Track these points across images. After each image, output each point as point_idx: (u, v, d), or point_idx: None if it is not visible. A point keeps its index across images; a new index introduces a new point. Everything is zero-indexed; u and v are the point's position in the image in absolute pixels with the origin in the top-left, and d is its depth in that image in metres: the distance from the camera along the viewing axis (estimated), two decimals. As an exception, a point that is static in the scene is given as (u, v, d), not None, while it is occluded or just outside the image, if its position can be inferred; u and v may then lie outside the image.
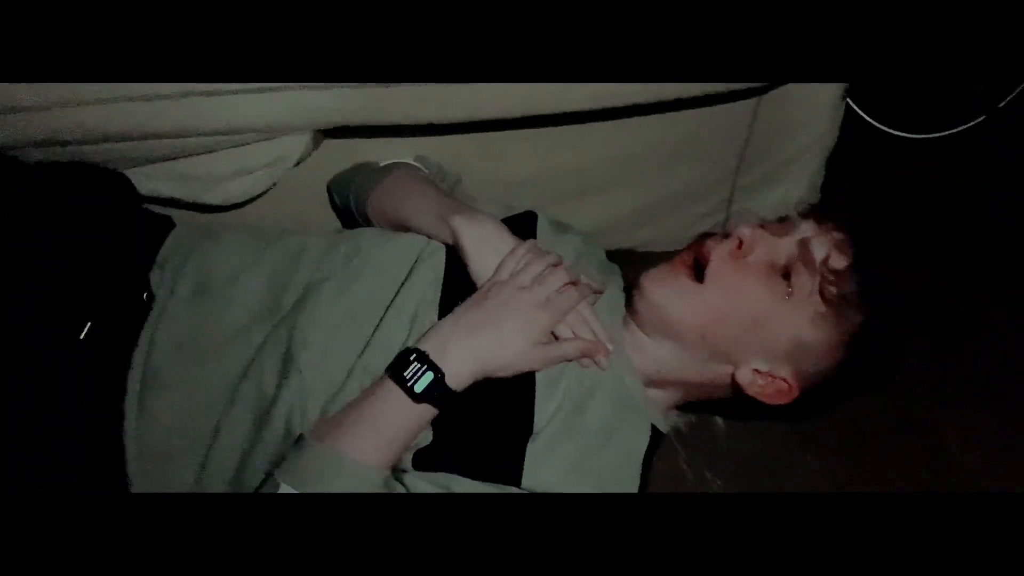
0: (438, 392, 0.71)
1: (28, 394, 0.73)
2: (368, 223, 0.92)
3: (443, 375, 0.71)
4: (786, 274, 0.76)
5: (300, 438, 0.71)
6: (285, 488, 0.67)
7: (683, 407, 0.86)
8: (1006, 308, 1.10)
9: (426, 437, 0.73)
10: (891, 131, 1.28)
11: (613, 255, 1.00)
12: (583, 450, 0.73)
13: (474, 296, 0.77)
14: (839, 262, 0.76)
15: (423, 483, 0.71)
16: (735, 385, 0.80)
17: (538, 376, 0.75)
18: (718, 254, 0.78)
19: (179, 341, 0.78)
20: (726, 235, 0.80)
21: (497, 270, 0.79)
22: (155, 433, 0.75)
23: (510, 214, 0.90)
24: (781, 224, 0.79)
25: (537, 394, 0.74)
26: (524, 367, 0.75)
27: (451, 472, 0.72)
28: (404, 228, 0.88)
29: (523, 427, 0.73)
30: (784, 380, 0.78)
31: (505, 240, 0.81)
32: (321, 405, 0.75)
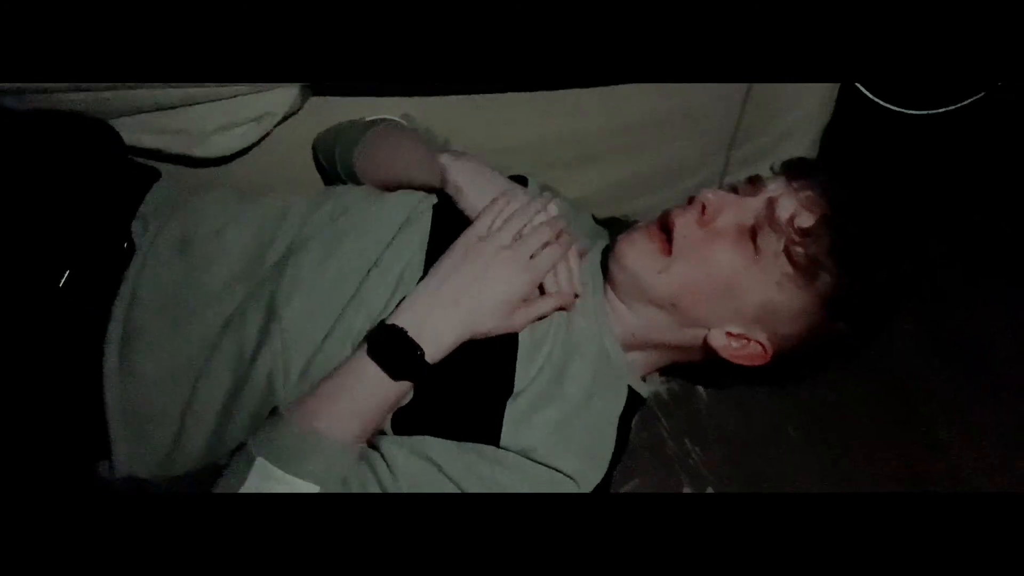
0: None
1: (4, 340, 0.73)
2: (354, 180, 0.92)
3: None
4: (754, 236, 0.75)
5: (275, 411, 0.70)
6: (260, 463, 0.66)
7: (664, 371, 0.87)
8: (1005, 291, 1.10)
9: (406, 396, 0.72)
10: (889, 106, 1.27)
11: (607, 224, 1.00)
12: (565, 414, 0.73)
13: (453, 253, 0.75)
14: (805, 220, 0.73)
15: (400, 450, 0.70)
16: (710, 348, 0.79)
17: (521, 338, 0.75)
18: (683, 222, 0.77)
19: (161, 296, 0.77)
20: (690, 201, 0.79)
21: (476, 220, 0.77)
22: (137, 388, 0.75)
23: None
24: (750, 184, 0.78)
25: (519, 355, 0.74)
26: (506, 330, 0.75)
27: (429, 433, 0.71)
28: (391, 182, 0.87)
29: (503, 386, 0.73)
30: (758, 343, 0.77)
31: (496, 178, 0.80)
32: (302, 363, 0.74)
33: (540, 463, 0.71)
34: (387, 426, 0.73)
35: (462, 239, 0.76)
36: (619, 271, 0.80)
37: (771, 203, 0.76)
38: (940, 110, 1.33)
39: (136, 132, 0.89)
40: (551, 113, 1.03)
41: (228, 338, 0.75)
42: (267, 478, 0.65)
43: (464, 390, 0.73)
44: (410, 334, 0.70)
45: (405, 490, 0.69)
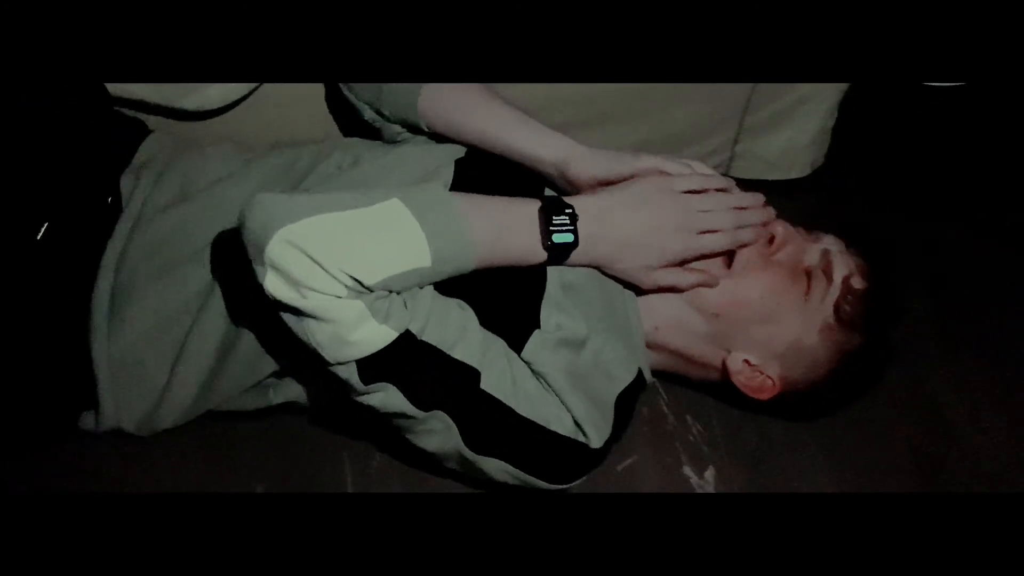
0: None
1: None
2: (401, 119, 0.87)
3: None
4: (808, 279, 0.78)
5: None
6: (394, 201, 0.63)
7: (662, 375, 0.86)
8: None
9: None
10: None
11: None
12: (580, 364, 0.73)
13: (645, 186, 0.74)
14: (858, 283, 0.78)
15: (441, 309, 0.68)
16: (723, 369, 0.81)
17: (547, 294, 0.74)
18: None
19: (156, 247, 0.76)
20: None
21: (679, 177, 0.77)
22: (127, 337, 0.75)
23: None
24: (808, 231, 0.82)
25: (544, 307, 0.73)
26: (633, 279, 0.76)
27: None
28: (468, 133, 0.83)
29: (530, 318, 0.72)
30: (769, 377, 0.80)
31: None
32: None
33: (553, 391, 0.71)
34: None
35: (654, 182, 0.76)
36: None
37: (827, 255, 0.79)
38: (960, 83, 1.28)
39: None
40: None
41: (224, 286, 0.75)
42: (390, 215, 0.63)
43: (502, 296, 0.72)
44: (579, 226, 0.70)
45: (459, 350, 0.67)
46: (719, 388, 0.85)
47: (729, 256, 0.78)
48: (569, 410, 0.71)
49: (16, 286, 0.73)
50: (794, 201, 1.11)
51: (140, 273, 0.75)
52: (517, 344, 0.71)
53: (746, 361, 0.80)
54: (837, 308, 0.77)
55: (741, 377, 0.80)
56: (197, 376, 0.76)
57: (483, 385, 0.68)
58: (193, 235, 0.77)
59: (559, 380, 0.72)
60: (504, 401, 0.68)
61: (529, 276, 0.73)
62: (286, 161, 0.82)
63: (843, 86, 1.10)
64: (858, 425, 0.87)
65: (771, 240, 0.79)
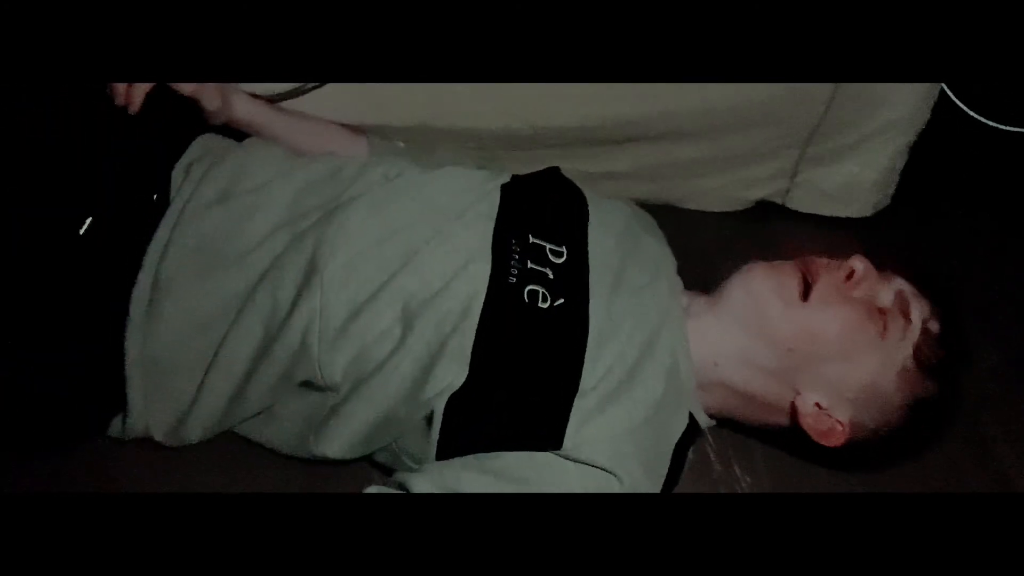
0: None
1: (15, 286, 0.71)
2: None
3: None
4: (883, 318, 0.75)
5: None
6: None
7: (713, 417, 0.81)
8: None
9: (458, 378, 0.68)
10: (986, 121, 1.17)
11: (648, 209, 0.94)
12: (633, 419, 0.70)
13: None
14: (934, 327, 0.76)
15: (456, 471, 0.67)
16: (791, 411, 0.77)
17: (590, 335, 0.71)
18: (827, 280, 0.76)
19: (197, 245, 0.75)
20: (831, 259, 0.79)
21: None
22: (161, 337, 0.73)
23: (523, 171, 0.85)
24: (880, 271, 0.79)
25: (588, 351, 0.71)
26: None
27: (483, 439, 0.68)
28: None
29: (569, 382, 0.69)
30: (839, 422, 0.76)
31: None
32: (341, 321, 0.70)
33: (602, 468, 0.67)
34: (438, 421, 0.68)
35: None
36: (746, 297, 0.77)
37: (902, 296, 0.77)
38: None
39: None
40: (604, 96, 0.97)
41: (263, 290, 0.72)
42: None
43: (528, 380, 0.69)
44: None
45: None
46: (775, 434, 0.80)
47: (805, 287, 0.75)
48: (619, 480, 0.67)
49: (57, 281, 0.72)
50: (850, 239, 1.09)
51: (180, 272, 0.73)
52: (556, 429, 0.67)
53: (816, 404, 0.75)
54: (917, 352, 0.75)
55: (810, 420, 0.75)
56: (228, 385, 0.73)
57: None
58: (234, 237, 0.75)
59: (612, 450, 0.68)
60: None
61: (565, 334, 0.72)
62: (331, 168, 0.80)
63: (917, 126, 1.05)
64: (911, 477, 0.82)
65: (850, 275, 0.76)
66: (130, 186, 0.77)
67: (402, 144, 0.93)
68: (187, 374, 0.73)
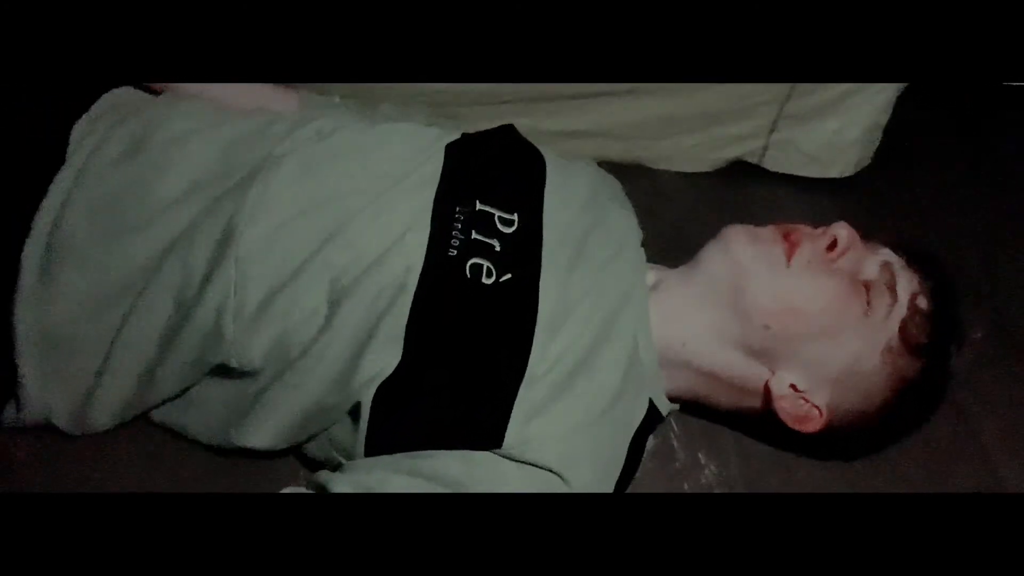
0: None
1: None
2: None
3: None
4: (867, 292, 0.70)
5: None
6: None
7: (679, 401, 0.75)
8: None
9: (389, 364, 0.61)
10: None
11: (616, 169, 0.87)
12: (589, 411, 0.64)
13: None
14: (923, 303, 0.70)
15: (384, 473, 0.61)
16: (764, 394, 0.71)
17: (540, 316, 0.65)
18: (808, 248, 0.70)
19: (99, 206, 0.67)
20: (815, 227, 0.73)
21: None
22: (58, 309, 0.66)
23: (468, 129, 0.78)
24: (865, 240, 0.73)
25: (537, 333, 0.64)
26: None
27: (415, 435, 0.61)
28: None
29: (514, 369, 0.62)
30: (816, 407, 0.70)
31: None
32: (260, 298, 0.64)
33: (546, 469, 0.61)
34: (366, 410, 0.61)
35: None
36: (725, 264, 0.71)
37: (889, 269, 0.71)
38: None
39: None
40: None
41: (173, 260, 0.65)
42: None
43: (466, 364, 0.62)
44: None
45: None
46: (746, 419, 0.75)
47: (790, 246, 0.70)
48: (567, 483, 0.61)
49: None
50: (830, 202, 1.03)
51: (79, 236, 0.66)
52: (496, 425, 0.61)
53: (792, 386, 0.70)
54: (904, 329, 0.69)
55: (785, 404, 0.70)
56: (135, 366, 0.66)
57: None
58: (142, 197, 0.67)
59: (560, 450, 0.61)
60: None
61: (512, 319, 0.65)
62: (262, 123, 0.73)
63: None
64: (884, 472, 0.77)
65: (832, 244, 0.70)
66: (17, 141, 0.69)
67: (339, 99, 0.85)
68: (89, 352, 0.66)
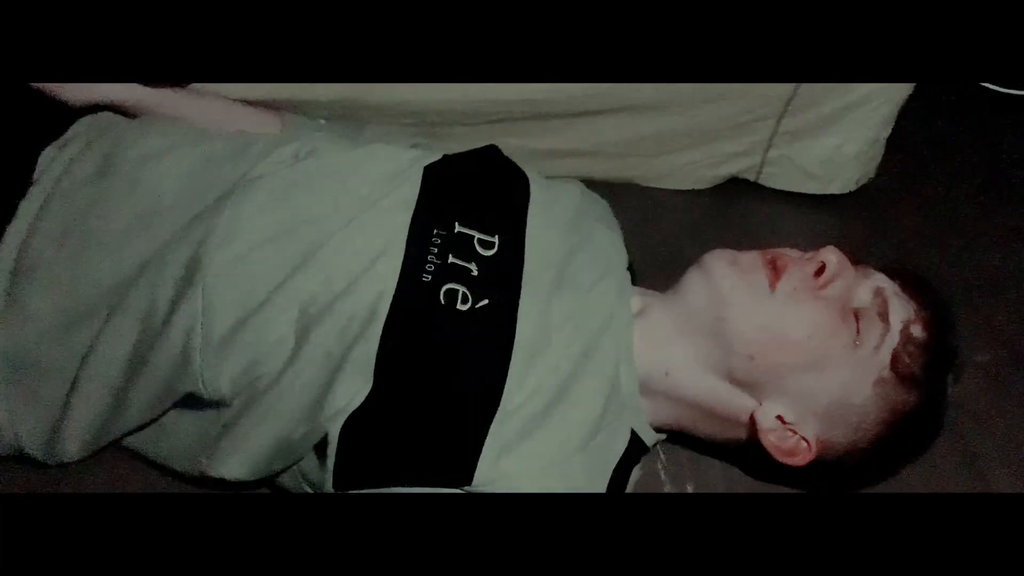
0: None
1: None
2: None
3: None
4: (857, 320, 0.67)
5: None
6: None
7: (663, 431, 0.72)
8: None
9: (359, 395, 0.59)
10: (984, 84, 1.07)
11: (608, 189, 0.86)
12: (563, 449, 0.61)
13: None
14: (919, 332, 0.67)
15: None
16: (749, 426, 0.68)
17: (517, 344, 0.63)
18: (797, 271, 0.67)
19: (66, 227, 0.66)
20: (802, 252, 0.70)
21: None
22: (24, 331, 0.65)
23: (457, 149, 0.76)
24: (856, 265, 0.70)
25: (513, 363, 0.62)
26: None
27: (382, 471, 0.59)
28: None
29: (487, 402, 0.60)
30: (804, 439, 0.67)
31: None
32: (228, 326, 0.62)
33: None
34: (334, 442, 0.59)
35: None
36: (707, 292, 0.68)
37: (881, 294, 0.68)
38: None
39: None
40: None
41: (140, 286, 0.64)
42: None
43: (437, 400, 0.60)
44: None
45: None
46: (733, 450, 0.72)
47: (775, 273, 0.67)
48: None
49: None
50: (830, 220, 1.00)
51: (46, 257, 0.65)
52: (469, 453, 0.59)
53: (779, 417, 0.67)
54: (896, 359, 0.66)
55: (772, 437, 0.67)
56: (103, 393, 0.65)
57: None
58: (111, 216, 0.66)
59: (530, 486, 0.59)
60: None
61: (486, 342, 0.63)
62: (239, 144, 0.71)
63: (902, 94, 0.97)
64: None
65: (820, 270, 0.67)
66: None
67: (324, 121, 0.84)
68: (57, 378, 0.65)
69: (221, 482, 0.64)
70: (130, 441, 0.68)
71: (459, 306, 0.63)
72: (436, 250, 0.65)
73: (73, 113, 0.73)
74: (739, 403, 0.68)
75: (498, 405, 0.60)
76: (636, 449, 0.67)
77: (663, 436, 0.71)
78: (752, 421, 0.68)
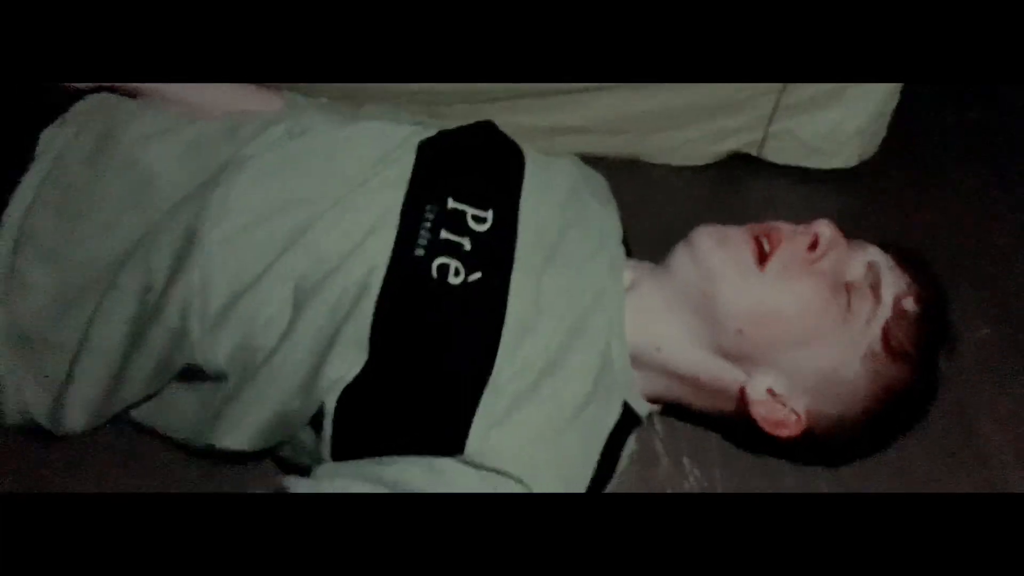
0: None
1: None
2: None
3: None
4: (848, 294, 0.68)
5: None
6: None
7: (657, 402, 0.73)
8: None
9: (353, 368, 0.60)
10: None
11: (609, 165, 0.85)
12: (553, 421, 0.62)
13: None
14: (911, 306, 0.67)
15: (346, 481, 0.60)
16: (739, 399, 0.69)
17: (510, 311, 0.63)
18: (787, 249, 0.67)
19: (65, 204, 0.68)
20: (795, 225, 0.70)
21: None
22: (28, 309, 0.67)
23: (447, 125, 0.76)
24: (851, 239, 0.71)
25: (504, 336, 0.62)
26: None
27: (378, 441, 0.61)
28: None
29: (477, 374, 0.61)
30: (795, 412, 0.68)
31: None
32: (224, 301, 0.63)
33: (508, 476, 0.59)
34: (329, 419, 0.61)
35: None
36: (693, 268, 0.68)
37: (874, 269, 0.69)
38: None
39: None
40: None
41: (136, 261, 0.65)
42: None
43: (429, 370, 0.61)
44: None
45: None
46: (725, 423, 0.72)
47: (760, 256, 0.67)
48: (530, 489, 0.59)
49: None
50: (831, 196, 1.00)
51: (46, 235, 0.67)
52: (456, 432, 0.59)
53: (769, 390, 0.68)
54: (886, 333, 0.66)
55: (761, 409, 0.68)
56: (103, 367, 0.66)
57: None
58: (107, 193, 0.68)
59: (522, 458, 0.59)
60: None
61: (477, 315, 0.63)
62: (233, 123, 0.72)
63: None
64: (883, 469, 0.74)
65: (814, 243, 0.67)
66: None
67: (326, 100, 0.84)
68: (59, 351, 0.67)
69: (225, 453, 0.66)
70: (136, 414, 0.69)
71: (451, 279, 0.63)
72: (429, 225, 0.66)
73: (74, 94, 0.74)
74: (729, 376, 0.68)
75: (489, 377, 0.60)
76: (629, 420, 0.68)
77: (657, 407, 0.72)
78: (742, 394, 0.68)
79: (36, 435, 0.69)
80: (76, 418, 0.67)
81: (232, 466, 0.69)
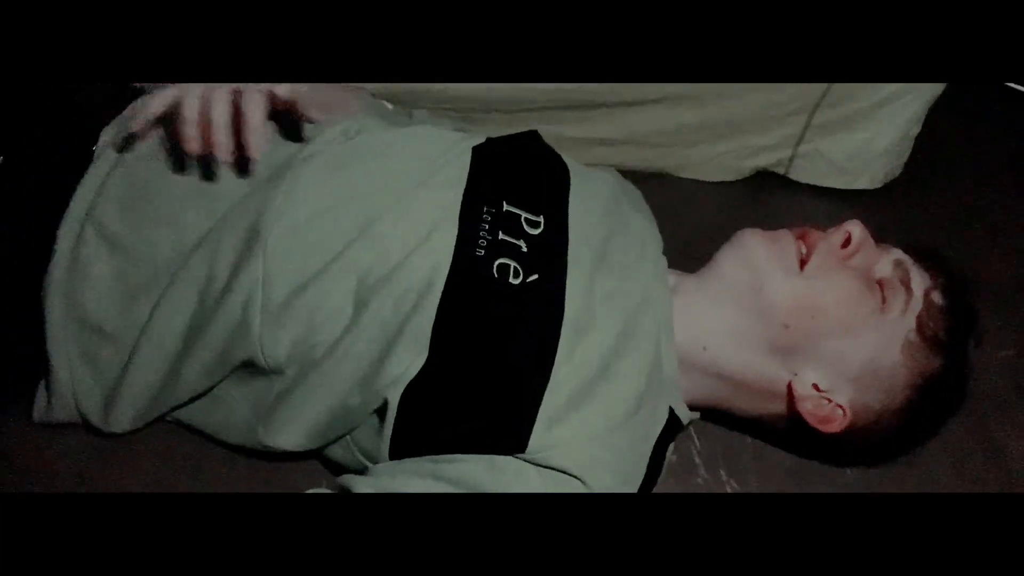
0: None
1: None
2: None
3: None
4: (882, 289, 0.71)
5: None
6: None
7: (699, 409, 0.74)
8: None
9: (415, 365, 0.61)
10: (1016, 86, 1.08)
11: (640, 178, 0.87)
12: (611, 418, 0.63)
13: None
14: (939, 298, 0.71)
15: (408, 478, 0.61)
16: (786, 396, 0.70)
17: (566, 318, 0.64)
18: (823, 247, 0.71)
19: (130, 198, 0.68)
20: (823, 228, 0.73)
21: None
22: (87, 294, 0.67)
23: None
24: (877, 242, 0.74)
25: (563, 336, 0.63)
26: None
27: (439, 438, 0.61)
28: None
29: (540, 373, 0.62)
30: (840, 406, 0.70)
31: None
32: (285, 295, 0.64)
33: (568, 474, 0.60)
34: (392, 414, 0.61)
35: None
36: (743, 267, 0.71)
37: (901, 265, 0.72)
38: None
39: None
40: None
41: (199, 256, 0.65)
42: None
43: (492, 372, 0.61)
44: None
45: None
46: (768, 425, 0.74)
47: (805, 246, 0.71)
48: (588, 488, 0.60)
49: None
50: (856, 214, 1.00)
51: (111, 225, 0.67)
52: (520, 430, 0.61)
53: (815, 386, 0.70)
54: (920, 323, 0.69)
55: (808, 404, 0.69)
56: (160, 362, 0.66)
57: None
58: (173, 188, 0.68)
59: (582, 457, 0.61)
60: None
61: (537, 315, 0.65)
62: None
63: (933, 92, 0.97)
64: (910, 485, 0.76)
65: (846, 241, 0.71)
66: (59, 130, 0.70)
67: (390, 106, 0.85)
68: (117, 343, 0.67)
69: (274, 452, 0.66)
70: (182, 414, 0.69)
71: (511, 280, 0.64)
72: (487, 227, 0.67)
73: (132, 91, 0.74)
74: (775, 374, 0.70)
75: (550, 376, 0.61)
76: (672, 427, 0.69)
77: (697, 415, 0.73)
78: (789, 391, 0.70)
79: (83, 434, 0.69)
80: (125, 414, 0.68)
81: (278, 467, 0.69)
